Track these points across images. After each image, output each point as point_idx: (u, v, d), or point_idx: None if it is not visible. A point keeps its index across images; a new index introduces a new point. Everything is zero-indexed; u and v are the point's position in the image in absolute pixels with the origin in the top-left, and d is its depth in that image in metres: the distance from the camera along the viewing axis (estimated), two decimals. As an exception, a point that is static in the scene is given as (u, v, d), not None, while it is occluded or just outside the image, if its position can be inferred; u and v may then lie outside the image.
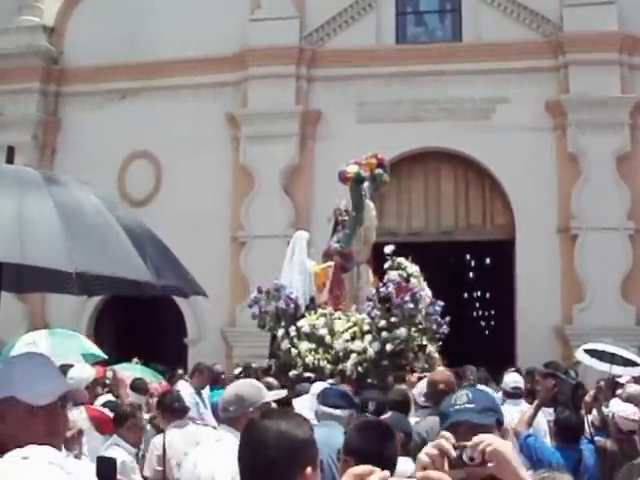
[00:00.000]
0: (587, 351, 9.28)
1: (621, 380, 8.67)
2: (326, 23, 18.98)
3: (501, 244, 18.66)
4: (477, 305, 28.98)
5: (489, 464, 2.50)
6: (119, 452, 6.10)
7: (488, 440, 2.53)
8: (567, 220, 17.34)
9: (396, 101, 18.24)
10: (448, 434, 2.61)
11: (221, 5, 18.78)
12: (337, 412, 5.65)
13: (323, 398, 5.89)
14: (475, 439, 2.55)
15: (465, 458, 2.52)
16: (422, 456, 2.56)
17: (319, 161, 18.32)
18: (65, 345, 9.42)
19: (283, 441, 2.44)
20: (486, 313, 29.28)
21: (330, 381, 9.14)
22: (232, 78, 18.99)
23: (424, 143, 18.08)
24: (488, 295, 27.28)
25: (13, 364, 3.01)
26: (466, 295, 27.33)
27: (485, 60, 17.92)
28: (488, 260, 22.80)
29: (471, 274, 24.61)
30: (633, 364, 8.69)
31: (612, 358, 8.63)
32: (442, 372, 7.20)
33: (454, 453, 2.54)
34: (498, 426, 2.94)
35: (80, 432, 5.80)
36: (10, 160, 3.37)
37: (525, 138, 17.48)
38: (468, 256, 23.25)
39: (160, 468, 6.37)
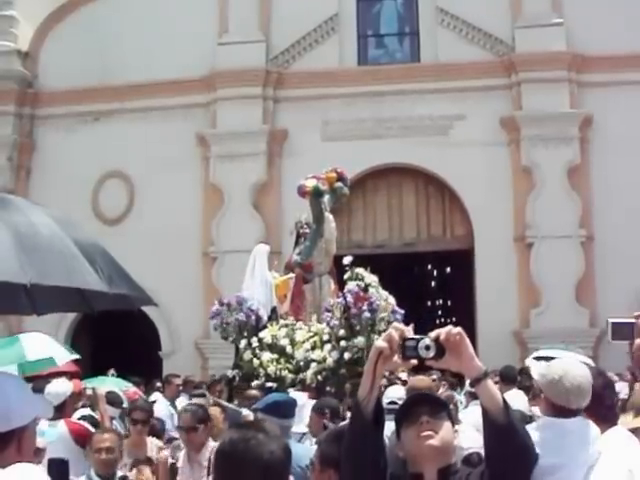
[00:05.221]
0: (537, 359, 9.14)
1: None
2: (291, 46, 18.96)
3: (461, 254, 18.76)
4: (439, 312, 29.11)
5: (445, 355, 2.49)
6: None
7: (449, 328, 2.52)
8: (523, 229, 17.46)
9: (359, 120, 18.28)
10: (405, 327, 2.59)
11: (190, 30, 18.65)
12: (280, 421, 5.50)
13: (269, 407, 5.74)
14: (436, 331, 2.53)
15: (421, 350, 2.49)
16: (379, 343, 2.55)
17: (286, 178, 18.18)
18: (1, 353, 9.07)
19: (279, 451, 2.43)
20: (448, 320, 29.35)
21: (291, 390, 8.93)
22: (202, 100, 18.88)
23: (386, 159, 18.11)
24: (449, 303, 27.41)
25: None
26: (429, 303, 27.45)
27: (442, 79, 18.04)
28: (449, 269, 22.89)
29: (433, 283, 24.70)
30: None
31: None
32: (422, 379, 7.07)
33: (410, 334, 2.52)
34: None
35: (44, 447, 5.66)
36: None
37: (481, 153, 17.59)
38: (430, 266, 23.33)
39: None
